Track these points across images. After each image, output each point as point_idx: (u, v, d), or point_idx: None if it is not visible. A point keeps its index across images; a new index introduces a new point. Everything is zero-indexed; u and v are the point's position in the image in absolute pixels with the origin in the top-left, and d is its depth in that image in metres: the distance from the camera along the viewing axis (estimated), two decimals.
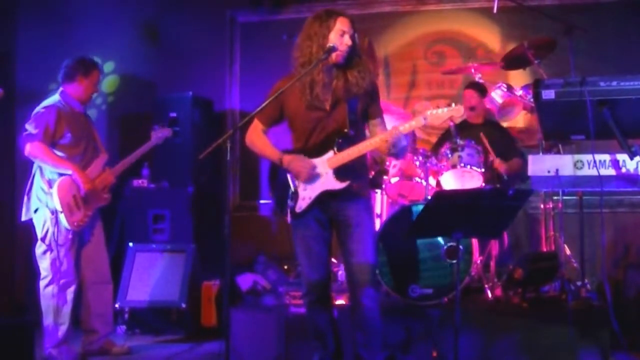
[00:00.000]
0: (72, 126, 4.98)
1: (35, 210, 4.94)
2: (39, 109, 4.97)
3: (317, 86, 3.91)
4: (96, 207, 5.07)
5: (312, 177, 3.91)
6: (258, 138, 4.08)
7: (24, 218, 5.02)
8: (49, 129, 4.88)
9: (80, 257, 5.06)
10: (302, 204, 3.94)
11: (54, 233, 4.87)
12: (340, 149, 3.90)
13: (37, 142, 4.85)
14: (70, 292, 4.93)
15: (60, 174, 4.90)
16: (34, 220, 4.97)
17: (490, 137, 5.75)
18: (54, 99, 5.03)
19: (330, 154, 3.91)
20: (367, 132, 4.13)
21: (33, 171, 4.99)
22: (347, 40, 3.89)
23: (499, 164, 5.57)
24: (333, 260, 5.41)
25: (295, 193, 3.96)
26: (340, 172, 3.90)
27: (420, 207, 4.58)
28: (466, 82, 6.19)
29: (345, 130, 3.92)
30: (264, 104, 3.85)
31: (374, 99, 4.07)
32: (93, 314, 5.10)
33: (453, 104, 3.88)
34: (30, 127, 4.90)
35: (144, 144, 5.40)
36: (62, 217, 4.85)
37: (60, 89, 5.10)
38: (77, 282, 4.98)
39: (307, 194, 3.94)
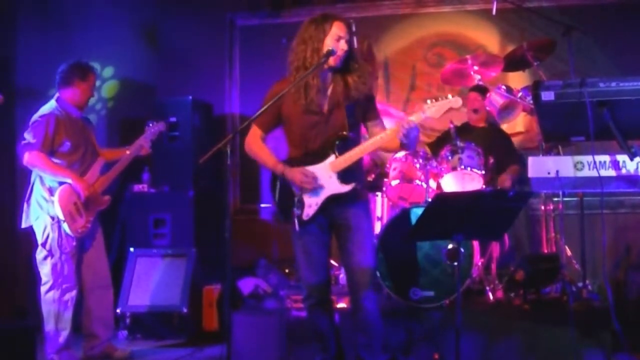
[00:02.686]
0: (70, 133, 4.97)
1: (36, 218, 4.94)
2: (36, 117, 4.94)
3: (312, 90, 3.90)
4: (97, 211, 5.07)
5: (317, 186, 3.91)
6: (257, 146, 4.06)
7: (24, 225, 5.01)
8: (47, 138, 4.86)
9: (80, 262, 5.05)
10: (309, 211, 3.92)
11: (54, 239, 4.87)
12: (341, 152, 3.90)
13: (35, 151, 4.83)
14: (71, 298, 4.92)
15: (60, 182, 4.89)
16: (34, 227, 4.96)
17: (492, 141, 5.75)
18: (50, 106, 4.99)
19: (332, 157, 3.90)
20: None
21: (32, 178, 4.97)
22: (342, 45, 3.88)
23: (503, 182, 5.55)
24: (334, 263, 5.42)
25: (301, 200, 3.94)
26: (344, 175, 3.90)
27: (421, 209, 4.58)
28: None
29: (345, 133, 3.92)
30: (261, 110, 3.84)
31: (371, 102, 4.07)
32: (94, 318, 5.09)
33: (450, 96, 3.81)
34: (28, 137, 4.88)
35: (138, 138, 5.32)
36: (65, 226, 4.85)
37: (57, 94, 5.07)
38: (77, 288, 4.98)
39: (313, 201, 3.92)
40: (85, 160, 5.04)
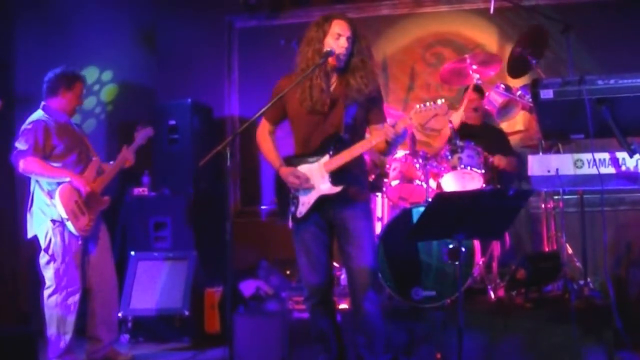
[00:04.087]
0: (61, 136, 4.98)
1: (39, 225, 4.94)
2: (25, 125, 4.95)
3: (316, 90, 3.92)
4: (98, 210, 5.09)
5: (308, 187, 3.93)
6: (264, 141, 4.13)
7: (29, 235, 5.01)
8: (38, 143, 4.87)
9: (85, 264, 5.06)
10: (302, 209, 3.96)
11: (56, 243, 4.88)
12: (335, 153, 3.91)
13: (29, 157, 4.85)
14: (73, 302, 4.93)
15: (59, 183, 4.90)
16: (38, 234, 4.97)
17: (488, 139, 5.76)
18: (37, 114, 5.00)
19: (326, 157, 3.93)
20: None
21: (32, 187, 4.98)
22: (342, 42, 3.90)
23: (499, 160, 5.57)
24: (335, 264, 5.41)
25: (296, 198, 3.98)
26: (336, 177, 3.91)
27: (421, 209, 4.58)
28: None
29: (340, 134, 3.93)
30: (268, 105, 3.89)
31: (376, 104, 4.06)
32: (98, 321, 5.09)
33: (439, 101, 3.79)
34: (19, 144, 4.89)
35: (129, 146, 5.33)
36: (69, 225, 4.87)
37: (43, 103, 5.07)
38: (81, 291, 4.99)
39: (306, 199, 3.96)
40: (80, 160, 5.06)
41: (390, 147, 3.95)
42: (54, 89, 5.04)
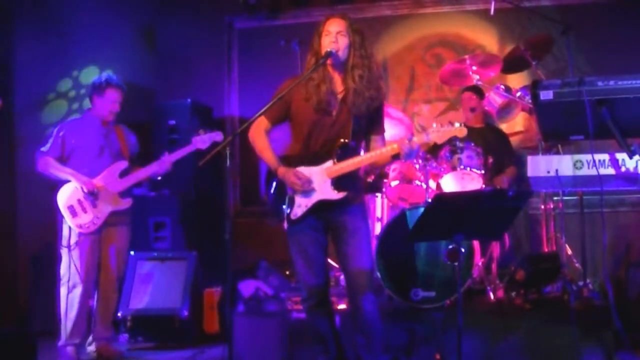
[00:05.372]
0: (82, 138, 5.21)
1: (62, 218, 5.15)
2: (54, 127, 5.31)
3: (323, 89, 3.91)
4: (109, 211, 5.14)
5: (308, 189, 3.92)
6: (259, 138, 4.06)
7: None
8: (55, 145, 5.18)
9: (95, 260, 5.18)
10: (297, 211, 3.94)
11: (65, 237, 5.07)
12: (340, 160, 3.89)
13: (45, 157, 5.16)
14: (76, 295, 5.05)
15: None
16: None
17: (489, 141, 5.75)
18: (73, 118, 5.39)
19: (330, 163, 3.90)
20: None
21: None
22: (331, 38, 3.89)
23: (500, 182, 5.57)
24: (334, 265, 5.41)
25: (292, 199, 3.95)
26: (338, 182, 3.89)
27: (421, 210, 4.57)
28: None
29: (347, 140, 3.92)
30: (270, 102, 3.86)
31: (378, 115, 4.06)
32: (96, 318, 5.25)
33: (457, 124, 3.81)
34: (43, 146, 5.19)
35: (182, 147, 5.42)
36: (68, 221, 5.05)
37: (87, 108, 5.43)
38: (83, 287, 5.08)
39: (303, 202, 3.93)
40: (96, 162, 5.20)
41: (391, 161, 3.95)
42: (90, 96, 5.36)
